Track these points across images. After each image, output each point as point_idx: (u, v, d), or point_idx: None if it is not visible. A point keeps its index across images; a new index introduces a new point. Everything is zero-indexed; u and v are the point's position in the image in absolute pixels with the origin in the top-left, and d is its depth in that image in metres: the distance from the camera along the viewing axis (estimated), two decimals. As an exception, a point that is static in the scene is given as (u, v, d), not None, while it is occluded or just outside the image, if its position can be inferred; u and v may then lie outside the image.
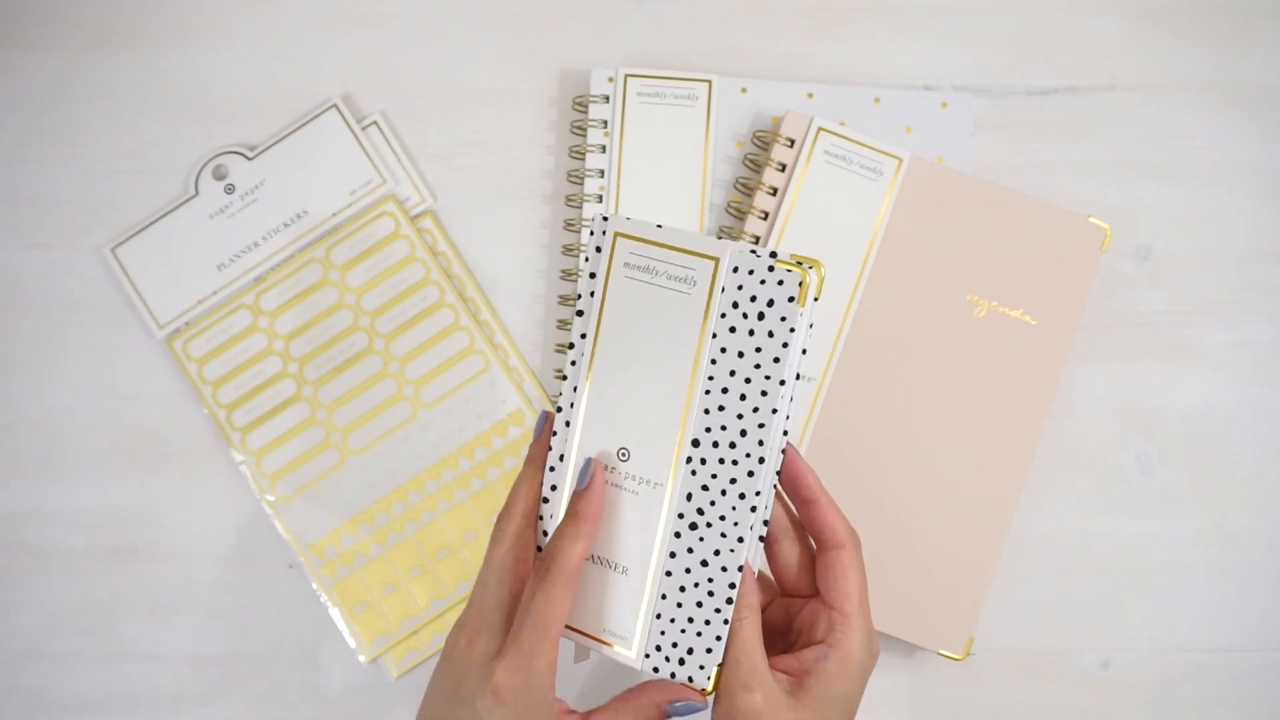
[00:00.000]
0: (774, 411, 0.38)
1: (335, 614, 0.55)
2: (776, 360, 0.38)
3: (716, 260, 0.38)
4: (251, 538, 0.56)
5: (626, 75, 0.56)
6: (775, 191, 0.55)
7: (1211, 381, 0.57)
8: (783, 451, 0.39)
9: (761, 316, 0.38)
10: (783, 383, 0.38)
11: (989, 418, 0.54)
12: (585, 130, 0.56)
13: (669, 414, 0.39)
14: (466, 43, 0.59)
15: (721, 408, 0.39)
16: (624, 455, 0.40)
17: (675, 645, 0.40)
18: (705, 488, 0.39)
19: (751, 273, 0.38)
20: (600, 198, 0.56)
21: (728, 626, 0.39)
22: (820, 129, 0.54)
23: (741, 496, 0.39)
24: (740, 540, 0.39)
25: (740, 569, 0.39)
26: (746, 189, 0.56)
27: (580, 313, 0.41)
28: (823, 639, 0.40)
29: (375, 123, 0.58)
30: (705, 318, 0.39)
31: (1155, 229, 0.58)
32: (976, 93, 0.58)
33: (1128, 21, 0.59)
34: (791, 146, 0.55)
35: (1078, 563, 0.56)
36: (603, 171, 0.56)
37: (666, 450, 0.39)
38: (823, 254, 0.54)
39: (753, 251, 0.38)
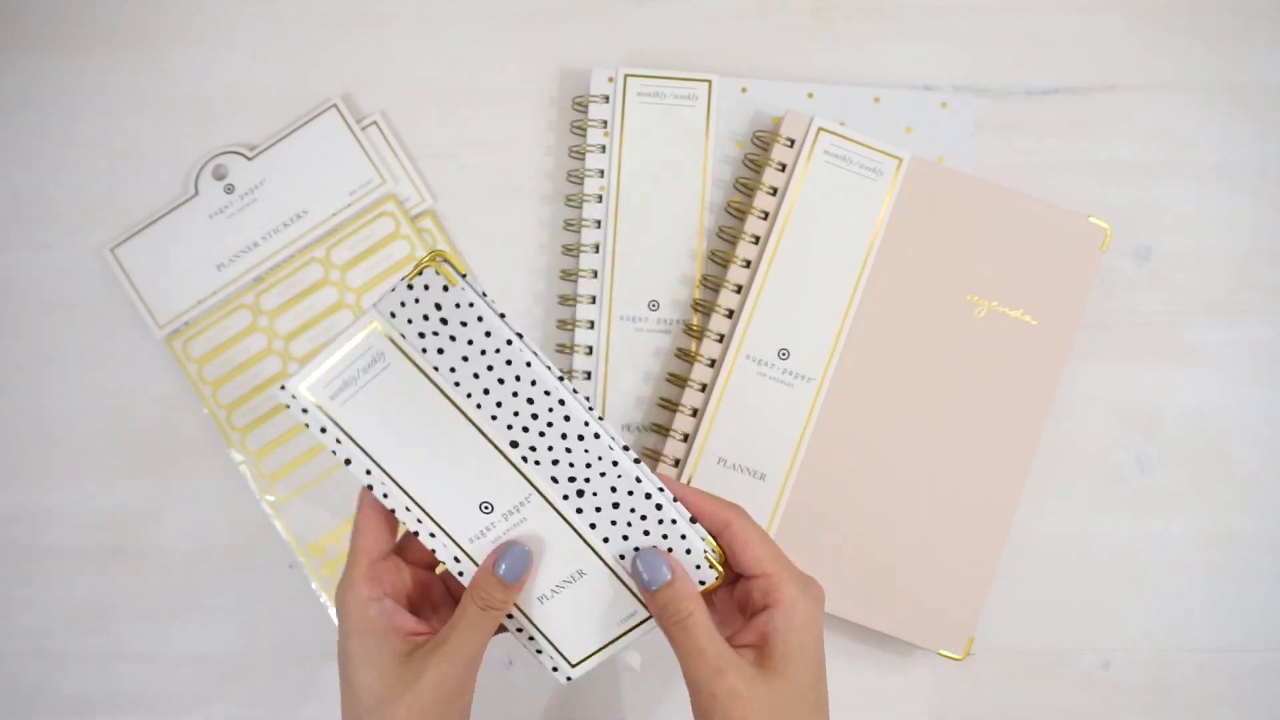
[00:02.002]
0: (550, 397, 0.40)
1: (335, 614, 0.55)
2: (506, 344, 0.39)
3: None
4: (251, 538, 0.56)
5: (626, 75, 0.56)
6: (775, 191, 0.55)
7: (1211, 381, 0.57)
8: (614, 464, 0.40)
9: (452, 331, 0.39)
10: (528, 364, 0.39)
11: (989, 418, 0.54)
12: (585, 130, 0.56)
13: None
14: (466, 43, 0.59)
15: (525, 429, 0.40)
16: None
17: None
18: (571, 479, 0.41)
19: (417, 301, 0.39)
20: (600, 198, 0.56)
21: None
22: (820, 129, 0.54)
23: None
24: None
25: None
26: (746, 189, 0.56)
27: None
28: (763, 603, 0.40)
29: (375, 123, 0.58)
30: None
31: (1155, 229, 0.58)
32: (976, 93, 0.58)
33: (1128, 21, 0.59)
34: (791, 146, 0.55)
35: (1078, 563, 0.56)
36: (603, 171, 0.56)
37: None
38: (823, 254, 0.54)
39: (392, 290, 0.39)
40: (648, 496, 0.40)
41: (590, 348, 0.55)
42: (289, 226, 0.57)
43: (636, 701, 0.56)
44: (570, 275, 0.56)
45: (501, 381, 0.40)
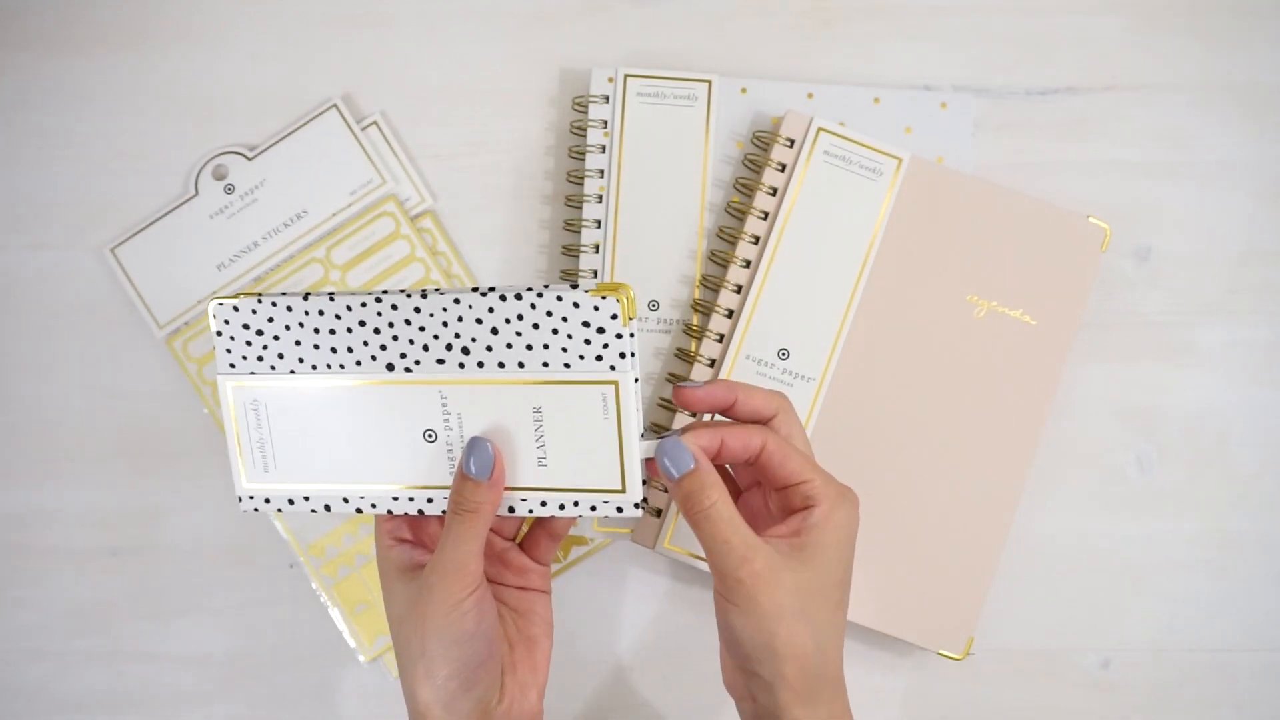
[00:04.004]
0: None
1: (335, 614, 0.55)
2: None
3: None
4: (251, 538, 0.56)
5: (626, 75, 0.56)
6: (775, 192, 0.55)
7: (1211, 381, 0.57)
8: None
9: (273, 332, 0.42)
10: (331, 298, 0.41)
11: (989, 418, 0.54)
12: (585, 130, 0.56)
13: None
14: (466, 43, 0.59)
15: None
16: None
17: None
18: None
19: (233, 339, 0.42)
20: (600, 198, 0.56)
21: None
22: (820, 129, 0.54)
23: None
24: None
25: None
26: (746, 189, 0.56)
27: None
28: (803, 505, 0.41)
29: (375, 123, 0.58)
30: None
31: (1155, 229, 0.58)
32: (976, 93, 0.58)
33: (1128, 21, 0.59)
34: (791, 146, 0.55)
35: (1078, 563, 0.56)
36: (603, 171, 0.56)
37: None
38: (822, 254, 0.54)
39: (214, 350, 0.42)
40: (503, 299, 0.40)
41: (590, 348, 0.55)
42: (289, 226, 0.57)
43: (636, 701, 0.56)
44: (570, 275, 0.56)
45: (333, 332, 0.41)
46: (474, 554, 0.40)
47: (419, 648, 0.40)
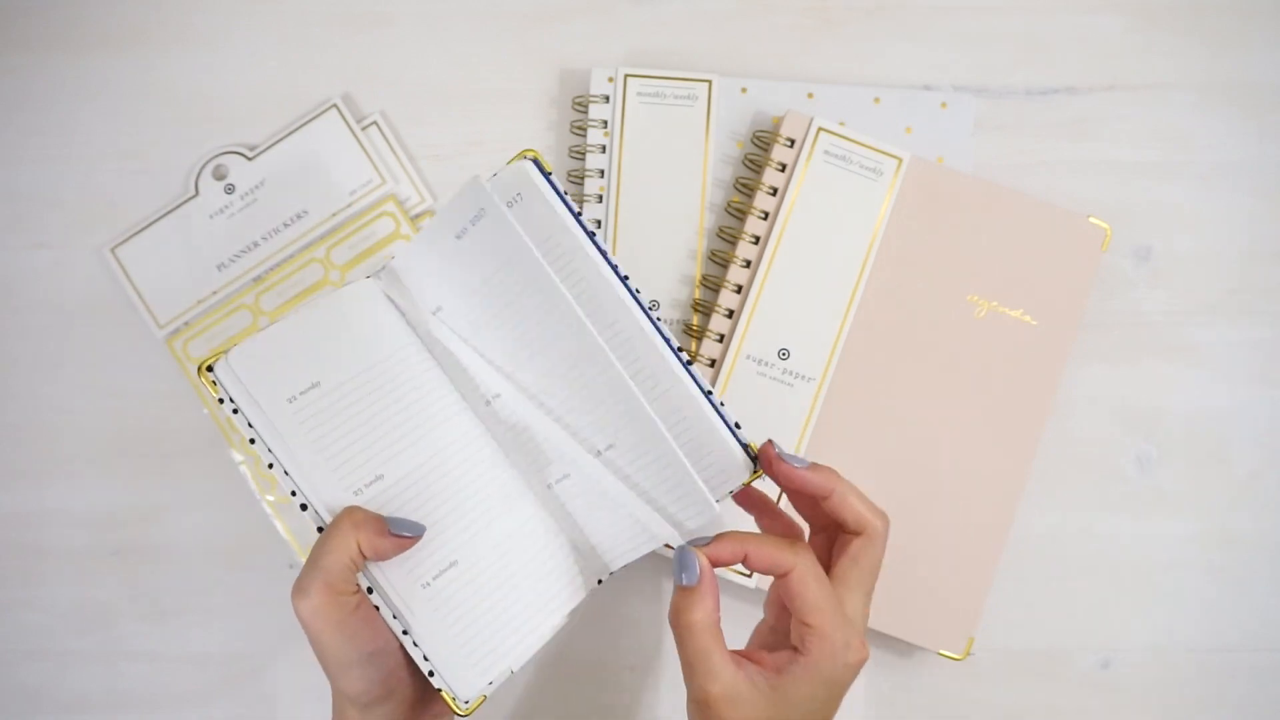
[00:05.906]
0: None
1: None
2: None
3: None
4: (251, 538, 0.56)
5: (626, 75, 0.56)
6: (775, 191, 0.55)
7: (1211, 381, 0.57)
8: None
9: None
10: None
11: (989, 418, 0.54)
12: (585, 130, 0.56)
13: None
14: (466, 43, 0.59)
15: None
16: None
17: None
18: None
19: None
20: (600, 198, 0.56)
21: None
22: (820, 129, 0.54)
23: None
24: None
25: None
26: (746, 189, 0.56)
27: None
28: (795, 644, 0.40)
29: (375, 123, 0.58)
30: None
31: (1155, 229, 0.58)
32: (976, 93, 0.58)
33: (1128, 21, 0.59)
34: (791, 146, 0.55)
35: (1078, 563, 0.56)
36: (603, 171, 0.56)
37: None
38: (823, 254, 0.54)
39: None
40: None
41: (590, 348, 0.55)
42: (289, 226, 0.57)
43: (636, 701, 0.56)
44: (570, 275, 0.56)
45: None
46: (343, 563, 0.40)
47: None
